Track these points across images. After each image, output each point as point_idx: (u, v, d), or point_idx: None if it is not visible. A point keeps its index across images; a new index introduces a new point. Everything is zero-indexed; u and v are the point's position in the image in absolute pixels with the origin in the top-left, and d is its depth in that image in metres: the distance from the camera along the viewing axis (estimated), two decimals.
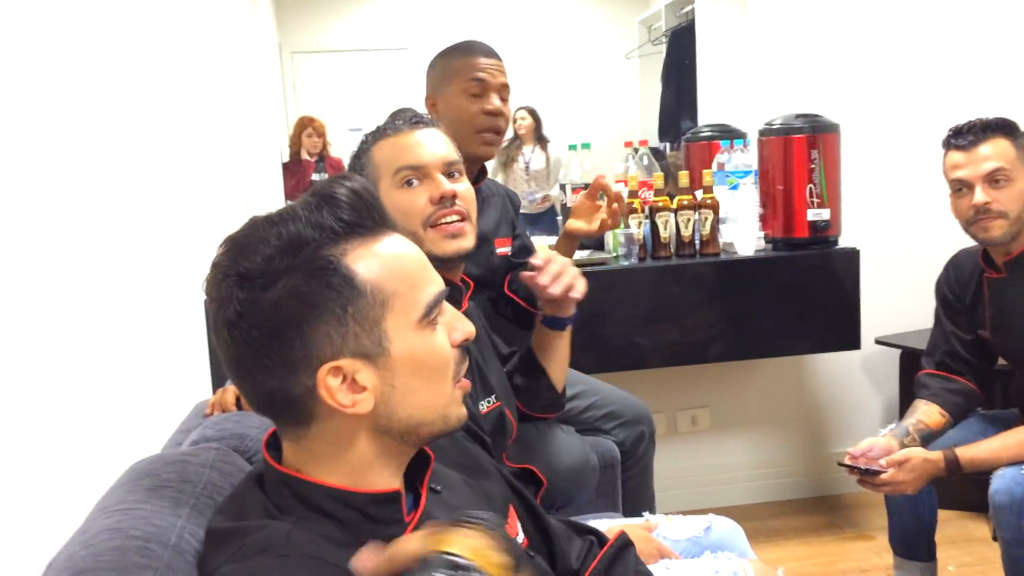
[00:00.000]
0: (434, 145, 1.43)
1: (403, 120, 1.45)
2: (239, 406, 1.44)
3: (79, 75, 1.37)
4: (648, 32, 5.82)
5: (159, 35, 1.87)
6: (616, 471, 2.00)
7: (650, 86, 5.63)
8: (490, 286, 1.84)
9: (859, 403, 3.05)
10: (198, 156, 2.14)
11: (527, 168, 5.32)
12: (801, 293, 2.57)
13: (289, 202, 0.92)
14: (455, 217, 1.42)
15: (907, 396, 2.70)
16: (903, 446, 1.92)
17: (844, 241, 2.61)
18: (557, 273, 1.53)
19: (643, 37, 5.91)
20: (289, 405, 0.86)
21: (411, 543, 0.77)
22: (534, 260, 1.55)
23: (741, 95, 3.14)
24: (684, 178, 2.53)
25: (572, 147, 2.57)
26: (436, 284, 0.91)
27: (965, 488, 2.51)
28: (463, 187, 1.45)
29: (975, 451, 1.87)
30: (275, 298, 0.82)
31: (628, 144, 2.79)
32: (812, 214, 2.49)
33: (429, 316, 0.89)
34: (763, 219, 2.60)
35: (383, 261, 0.87)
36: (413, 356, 0.88)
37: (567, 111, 6.12)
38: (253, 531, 0.84)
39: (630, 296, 2.48)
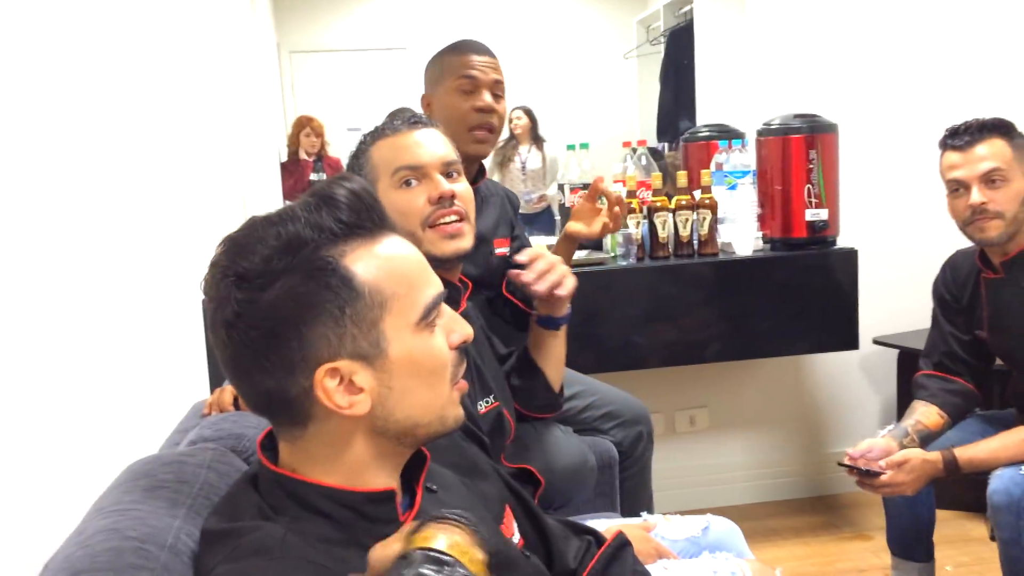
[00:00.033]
0: (433, 145, 1.43)
1: (402, 120, 1.45)
2: (237, 406, 1.44)
3: (78, 75, 1.37)
4: (646, 32, 5.83)
5: (157, 35, 1.87)
6: (614, 471, 2.00)
7: (648, 86, 5.63)
8: (488, 286, 1.84)
9: (857, 403, 3.05)
10: (196, 155, 2.13)
11: (523, 168, 5.32)
12: (799, 293, 2.57)
13: (288, 202, 0.92)
14: (454, 217, 1.42)
15: (905, 396, 2.71)
16: (902, 447, 1.92)
17: (842, 241, 2.61)
18: (543, 270, 1.53)
19: (641, 37, 5.91)
20: (286, 406, 0.86)
21: (392, 544, 0.78)
22: (520, 257, 1.55)
23: (739, 95, 3.14)
24: (682, 178, 2.53)
25: (570, 147, 2.56)
26: (435, 286, 0.91)
27: (963, 488, 2.51)
28: (461, 187, 1.44)
29: (974, 451, 1.88)
30: (273, 299, 0.82)
31: (626, 144, 2.79)
32: (810, 214, 2.50)
33: (427, 318, 0.89)
34: (761, 219, 2.60)
35: (382, 263, 0.87)
36: (411, 358, 0.88)
37: (565, 111, 6.12)
38: (247, 532, 0.84)
39: (628, 296, 2.48)
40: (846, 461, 1.92)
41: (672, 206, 2.49)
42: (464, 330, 0.94)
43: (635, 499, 2.06)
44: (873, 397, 3.07)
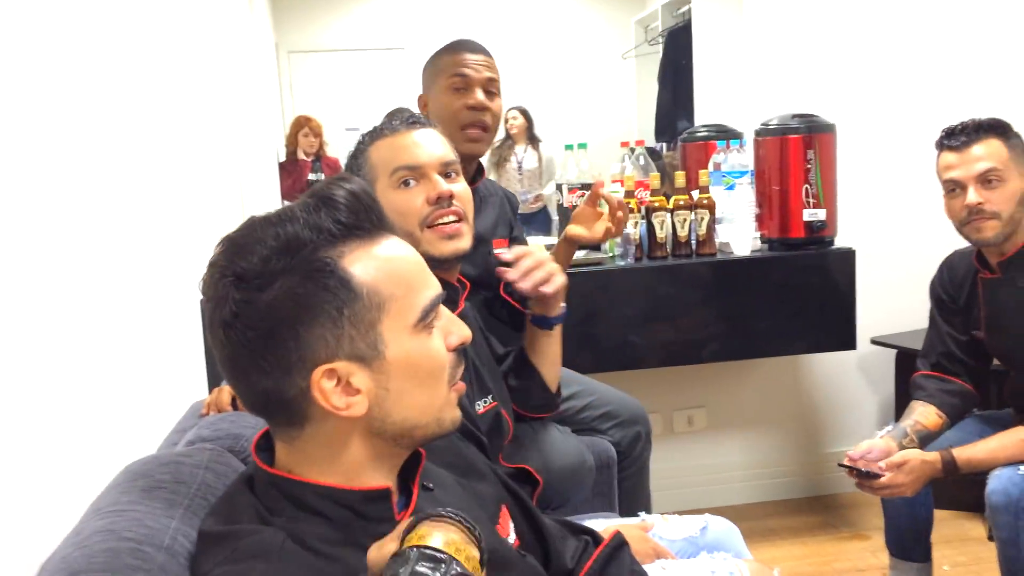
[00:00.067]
0: (431, 145, 1.43)
1: (400, 120, 1.45)
2: (235, 406, 1.44)
3: (76, 75, 1.37)
4: (645, 32, 5.83)
5: (156, 35, 1.87)
6: (612, 471, 2.00)
7: (647, 86, 5.62)
8: (487, 287, 1.84)
9: (855, 403, 3.06)
10: (195, 155, 2.13)
11: (520, 168, 5.32)
12: (797, 293, 2.57)
13: (286, 202, 0.92)
14: (452, 218, 1.42)
15: (903, 396, 2.71)
16: (901, 447, 1.92)
17: (840, 241, 2.62)
18: (529, 268, 1.53)
19: (640, 37, 5.91)
20: (283, 406, 0.86)
21: (387, 544, 0.78)
22: (505, 255, 1.55)
23: (737, 95, 3.14)
24: (680, 178, 2.53)
25: (569, 147, 2.56)
26: (433, 288, 0.91)
27: (960, 488, 2.51)
28: (460, 187, 1.45)
29: (972, 452, 1.88)
30: (271, 299, 0.82)
31: (624, 144, 2.79)
32: (808, 214, 2.50)
33: (425, 320, 0.89)
34: (759, 219, 2.60)
35: (380, 264, 0.87)
36: (408, 360, 0.88)
37: (564, 111, 6.13)
38: (246, 535, 0.84)
39: (626, 296, 2.49)
40: (845, 462, 1.92)
41: (670, 206, 2.50)
42: (462, 332, 0.94)
43: (633, 499, 2.06)
44: (871, 397, 3.07)
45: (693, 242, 2.52)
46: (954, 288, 2.07)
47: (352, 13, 6.45)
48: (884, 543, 2.18)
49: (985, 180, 1.87)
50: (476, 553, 0.78)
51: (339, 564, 0.84)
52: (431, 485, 0.99)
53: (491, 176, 5.09)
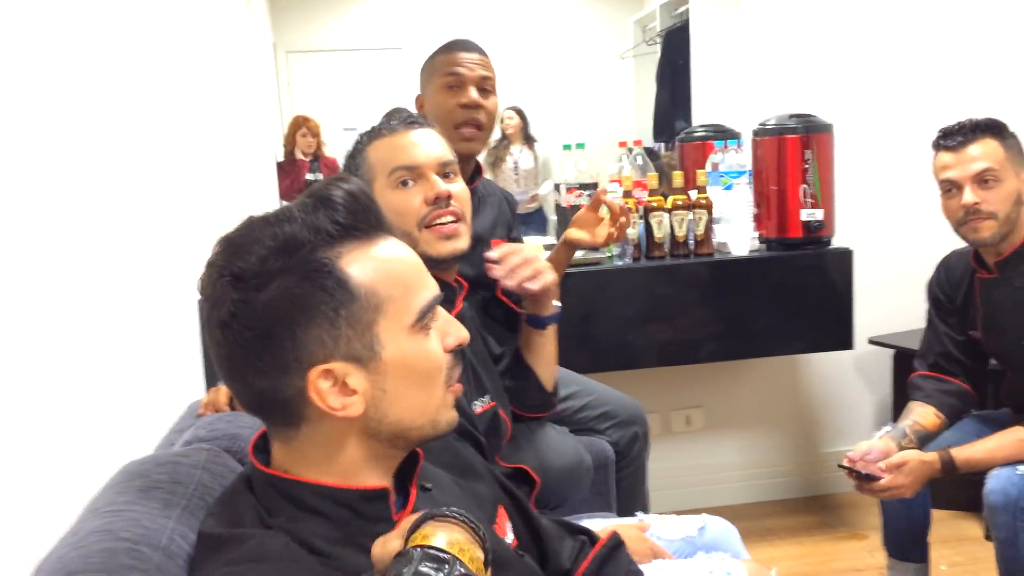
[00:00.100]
0: (429, 145, 1.43)
1: (398, 120, 1.45)
2: (232, 406, 1.43)
3: (74, 74, 1.37)
4: (643, 32, 5.83)
5: (154, 34, 1.87)
6: (610, 471, 2.00)
7: (645, 86, 5.63)
8: (485, 287, 1.84)
9: (852, 403, 3.06)
10: (193, 155, 2.13)
11: (516, 168, 5.32)
12: (795, 293, 2.58)
13: (284, 202, 0.92)
14: (450, 218, 1.42)
15: (900, 396, 2.71)
16: (900, 448, 1.92)
17: (837, 241, 2.62)
18: (515, 265, 1.53)
19: (638, 37, 5.91)
20: (279, 406, 0.86)
21: (391, 541, 0.78)
22: (491, 254, 1.55)
23: (735, 95, 3.14)
24: (678, 178, 2.53)
25: (567, 147, 2.56)
26: (430, 289, 0.91)
27: (957, 487, 2.51)
28: (458, 187, 1.44)
29: (970, 452, 1.88)
30: (268, 299, 0.82)
31: (622, 144, 2.79)
32: (806, 214, 2.50)
33: (422, 321, 0.89)
34: (757, 219, 2.61)
35: (378, 265, 0.87)
36: (405, 361, 0.88)
37: (562, 111, 6.13)
38: (248, 539, 0.84)
39: (624, 296, 2.49)
40: (845, 463, 1.92)
41: (668, 206, 2.50)
42: (459, 333, 0.94)
43: (631, 499, 2.06)
44: (868, 397, 3.07)
45: (691, 242, 2.52)
46: (951, 288, 2.08)
47: (350, 13, 6.45)
48: (881, 543, 2.18)
49: (981, 180, 1.87)
50: (480, 554, 0.78)
51: (340, 562, 0.84)
52: (429, 486, 0.99)
53: (487, 176, 5.10)
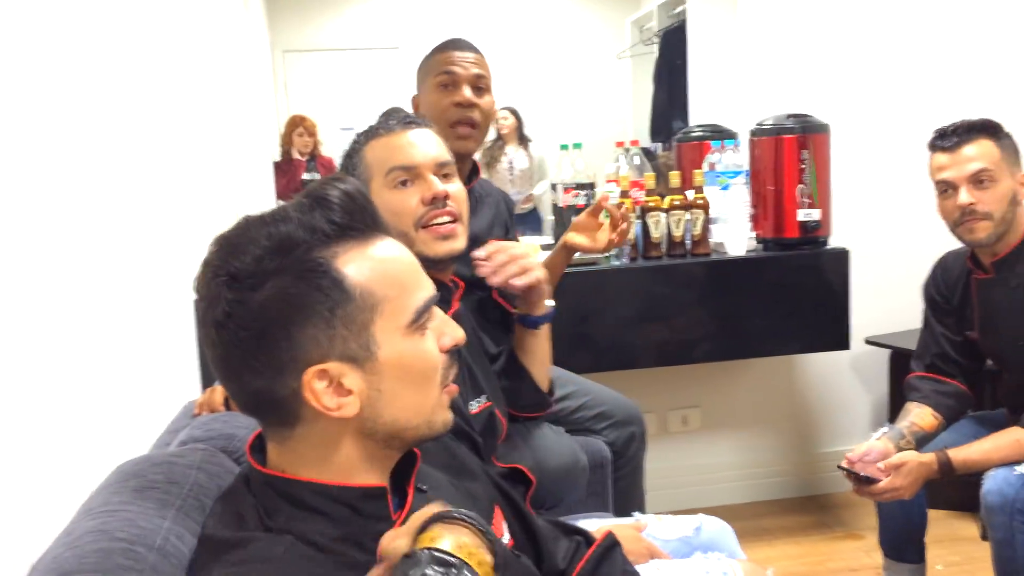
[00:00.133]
0: (426, 146, 1.43)
1: (396, 120, 1.45)
2: (228, 406, 1.43)
3: (70, 74, 1.36)
4: (640, 32, 5.82)
5: (151, 34, 1.86)
6: (607, 471, 2.00)
7: (642, 86, 5.62)
8: (481, 287, 1.84)
9: (849, 403, 3.06)
10: (189, 155, 2.13)
11: (511, 168, 5.32)
12: (791, 293, 2.58)
13: (281, 202, 0.92)
14: (447, 218, 1.42)
15: (897, 396, 2.72)
16: (898, 449, 1.92)
17: (834, 241, 2.62)
18: (501, 263, 1.53)
19: (635, 37, 5.91)
20: (274, 406, 0.86)
21: (400, 540, 0.77)
22: (477, 253, 1.54)
23: (732, 95, 3.14)
24: (675, 178, 2.53)
25: (564, 147, 2.56)
26: (427, 289, 0.91)
27: (953, 487, 2.52)
28: (455, 188, 1.44)
29: (967, 452, 1.88)
30: (263, 299, 0.82)
31: (619, 144, 2.79)
32: (802, 214, 2.50)
33: (418, 321, 0.89)
34: (754, 219, 2.61)
35: (374, 265, 0.87)
36: (401, 361, 0.87)
37: (559, 111, 6.12)
38: (252, 541, 0.84)
39: (621, 296, 2.49)
40: (844, 465, 1.92)
41: (665, 206, 2.50)
42: (455, 333, 0.94)
43: (627, 499, 2.06)
44: (865, 397, 3.07)
45: (688, 242, 2.52)
46: (947, 289, 2.08)
47: (347, 13, 6.44)
48: (878, 543, 2.18)
49: (977, 180, 1.87)
50: (489, 558, 0.78)
51: (344, 559, 0.84)
52: (424, 487, 0.99)
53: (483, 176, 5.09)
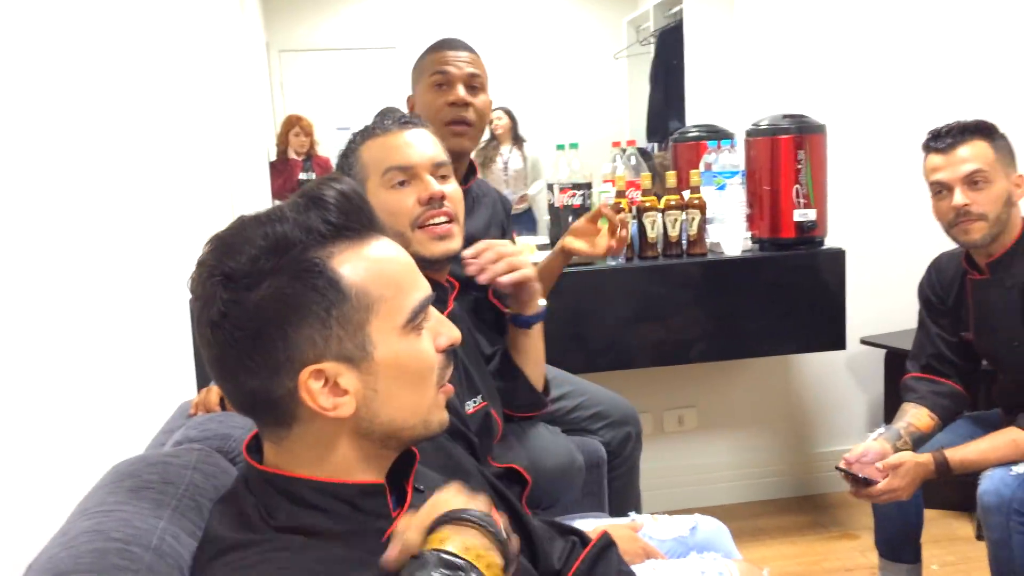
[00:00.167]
0: (423, 146, 1.43)
1: (392, 120, 1.45)
2: (223, 406, 1.43)
3: (66, 74, 1.36)
4: (636, 32, 5.82)
5: (146, 33, 1.86)
6: (602, 471, 2.00)
7: (638, 86, 5.62)
8: (476, 287, 1.84)
9: (844, 403, 3.07)
10: (185, 154, 2.12)
11: (506, 168, 5.32)
12: (787, 293, 2.58)
13: (277, 202, 0.91)
14: (443, 219, 1.42)
15: (892, 396, 2.72)
16: (896, 449, 1.92)
17: (830, 241, 2.62)
18: (489, 260, 1.53)
19: (631, 37, 5.91)
20: (270, 406, 0.86)
21: (412, 533, 0.77)
22: (465, 252, 1.54)
23: (728, 96, 3.14)
24: (671, 178, 2.53)
25: (560, 147, 2.56)
26: (423, 289, 0.91)
27: (948, 487, 2.53)
28: (451, 188, 1.44)
29: (964, 453, 1.88)
30: (259, 299, 0.82)
31: (616, 144, 2.79)
32: (798, 214, 2.50)
33: (414, 321, 0.89)
34: (750, 219, 2.61)
35: (369, 265, 0.87)
36: (397, 361, 0.87)
37: (555, 111, 6.12)
38: (257, 543, 0.84)
39: (617, 296, 2.49)
40: (841, 466, 1.92)
41: (661, 206, 2.50)
42: (451, 333, 0.94)
43: (623, 499, 2.06)
44: (860, 397, 3.08)
45: (684, 242, 2.53)
46: (942, 289, 2.08)
47: (343, 12, 6.43)
48: (873, 543, 2.18)
49: (971, 181, 1.88)
50: (499, 560, 0.78)
51: (351, 551, 0.84)
52: (422, 487, 0.99)
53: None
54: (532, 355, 1.66)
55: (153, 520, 0.95)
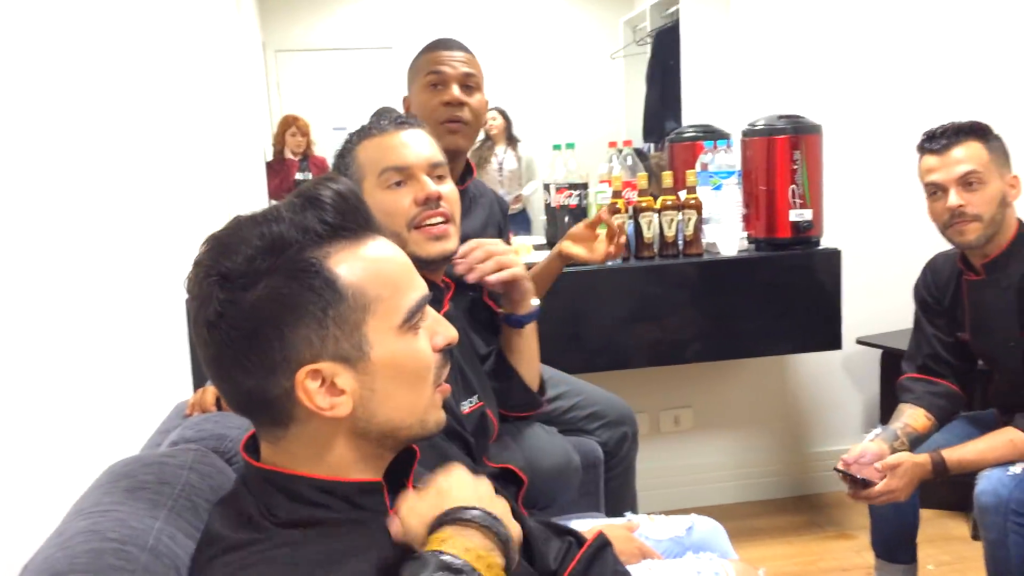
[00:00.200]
0: (419, 146, 1.43)
1: (388, 120, 1.45)
2: (219, 407, 1.43)
3: (61, 73, 1.36)
4: (633, 32, 5.83)
5: (143, 33, 1.86)
6: (599, 471, 2.00)
7: (635, 86, 5.63)
8: (472, 288, 1.84)
9: (840, 403, 3.07)
10: (181, 154, 2.12)
11: (501, 168, 5.32)
12: (783, 293, 2.58)
13: (273, 202, 0.92)
14: (439, 219, 1.42)
15: (888, 396, 2.73)
16: (893, 450, 1.92)
17: (826, 242, 2.63)
18: (477, 259, 1.53)
19: (628, 37, 5.91)
20: (267, 406, 0.86)
21: (414, 522, 0.78)
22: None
23: (725, 96, 3.15)
24: (668, 178, 2.53)
25: (556, 147, 2.56)
26: (419, 289, 0.91)
27: (944, 487, 2.53)
28: (448, 189, 1.44)
29: (961, 453, 1.88)
30: (255, 299, 0.82)
31: (612, 144, 2.79)
32: (794, 215, 2.51)
33: (411, 321, 0.89)
34: (746, 219, 2.61)
35: (366, 265, 0.87)
36: (394, 361, 0.87)
37: (552, 111, 6.13)
38: (256, 543, 0.84)
39: (613, 296, 2.49)
40: (840, 467, 1.92)
41: (657, 206, 2.50)
42: (448, 333, 0.94)
43: (619, 499, 2.06)
44: (856, 397, 3.08)
45: (680, 242, 2.53)
46: (938, 290, 2.09)
47: (340, 12, 6.43)
48: (869, 543, 2.19)
49: (966, 183, 1.88)
50: (500, 560, 0.78)
51: (351, 541, 0.84)
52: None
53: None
54: (526, 355, 1.66)
55: (149, 520, 0.95)
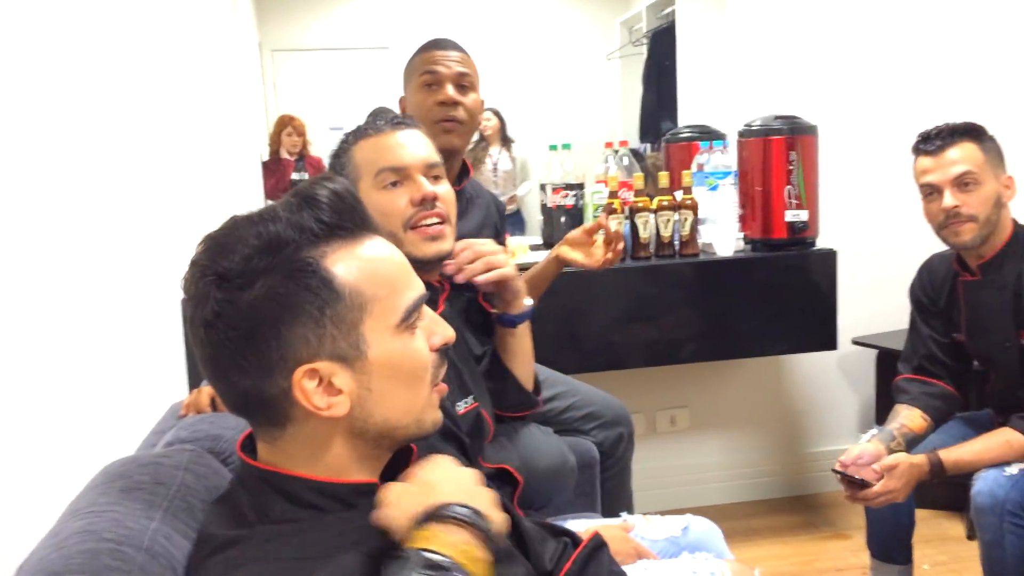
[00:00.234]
0: (416, 147, 1.43)
1: (385, 120, 1.45)
2: (214, 407, 1.43)
3: (58, 73, 1.36)
4: (629, 33, 5.84)
5: (139, 33, 1.85)
6: (595, 471, 2.00)
7: (631, 87, 5.63)
8: (467, 288, 1.84)
9: (836, 403, 3.08)
10: (178, 154, 2.12)
11: (495, 169, 5.32)
12: (779, 294, 2.59)
13: (269, 201, 0.92)
14: (435, 219, 1.42)
15: (884, 396, 2.73)
16: (889, 451, 1.92)
17: (822, 242, 2.63)
18: (466, 260, 1.53)
19: (624, 38, 5.92)
20: (264, 406, 0.86)
21: (397, 515, 0.78)
22: None
23: (721, 96, 3.15)
24: (664, 179, 2.54)
25: (553, 147, 2.57)
26: (416, 289, 0.91)
27: (940, 487, 2.53)
28: (443, 189, 1.44)
29: (958, 453, 1.88)
30: (252, 299, 0.82)
31: (608, 145, 2.80)
32: (790, 215, 2.51)
33: (408, 320, 0.89)
34: (742, 220, 2.62)
35: (363, 264, 0.87)
36: (391, 360, 0.87)
37: (548, 111, 6.13)
38: (249, 539, 0.84)
39: (610, 296, 2.49)
40: (837, 468, 1.92)
41: (653, 207, 2.50)
42: (445, 332, 0.94)
43: (615, 499, 2.06)
44: (852, 397, 3.09)
45: (676, 243, 2.53)
46: (934, 291, 2.09)
47: (336, 12, 6.43)
48: (865, 543, 2.19)
49: (961, 183, 1.88)
50: (484, 554, 0.78)
51: (343, 536, 0.84)
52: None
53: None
54: (520, 354, 1.66)
55: (145, 521, 0.95)
